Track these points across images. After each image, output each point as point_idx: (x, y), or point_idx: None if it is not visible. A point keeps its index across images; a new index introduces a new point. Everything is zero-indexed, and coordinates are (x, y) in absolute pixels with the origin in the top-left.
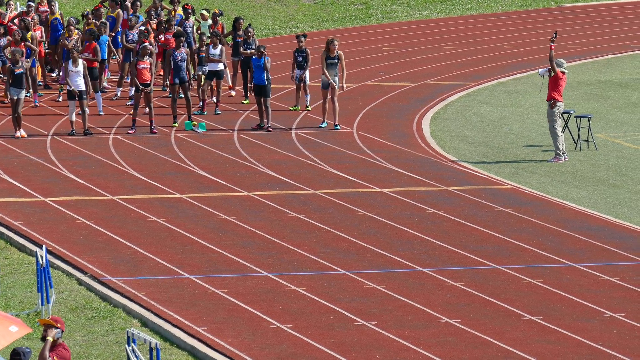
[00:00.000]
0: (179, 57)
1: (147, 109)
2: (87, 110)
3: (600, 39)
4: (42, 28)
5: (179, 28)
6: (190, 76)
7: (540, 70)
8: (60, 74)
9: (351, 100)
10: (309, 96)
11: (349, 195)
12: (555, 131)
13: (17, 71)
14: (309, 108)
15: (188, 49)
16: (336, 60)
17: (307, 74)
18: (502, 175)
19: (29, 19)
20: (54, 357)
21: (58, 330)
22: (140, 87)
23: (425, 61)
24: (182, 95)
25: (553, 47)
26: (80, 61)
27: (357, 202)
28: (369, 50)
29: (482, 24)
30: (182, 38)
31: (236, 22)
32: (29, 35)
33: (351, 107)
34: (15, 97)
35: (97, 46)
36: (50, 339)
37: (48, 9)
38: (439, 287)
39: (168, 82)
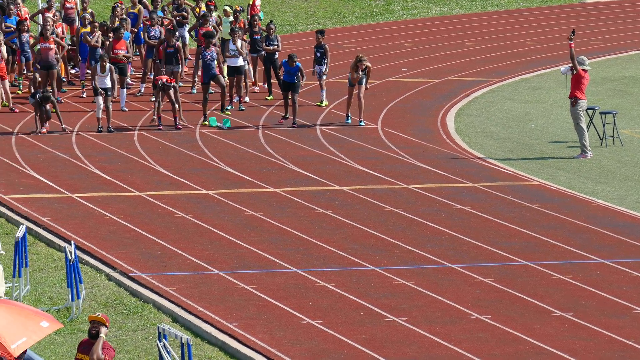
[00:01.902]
0: (209, 57)
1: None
2: (111, 108)
3: (623, 35)
4: (64, 24)
5: (214, 25)
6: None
7: (562, 68)
8: (78, 70)
9: (375, 96)
10: (324, 91)
11: (375, 192)
12: (581, 128)
13: None
14: (323, 104)
15: (219, 48)
16: (362, 75)
17: (326, 69)
18: (528, 171)
19: (50, 15)
20: (106, 356)
21: (107, 328)
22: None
23: (447, 57)
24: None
25: (572, 45)
26: (107, 66)
27: (384, 199)
28: (391, 46)
29: (504, 20)
30: (211, 39)
31: (252, 19)
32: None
33: (375, 103)
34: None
35: (127, 42)
36: (103, 336)
37: (74, 6)
38: (468, 283)
39: (198, 81)
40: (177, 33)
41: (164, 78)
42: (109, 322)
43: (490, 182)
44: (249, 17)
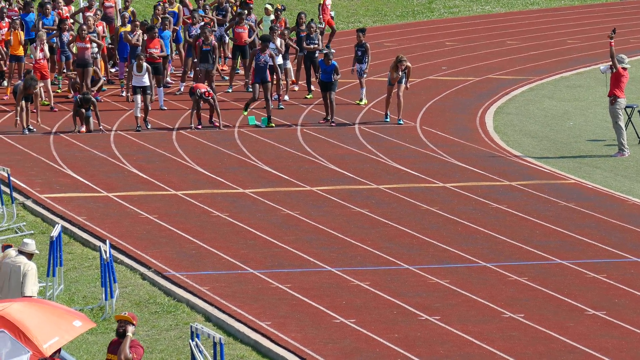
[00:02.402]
0: (262, 60)
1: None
2: (150, 107)
3: None
4: (104, 23)
5: (251, 24)
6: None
7: (602, 67)
8: (117, 69)
9: (414, 94)
10: (364, 90)
11: (411, 190)
12: (619, 126)
13: None
14: (362, 102)
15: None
16: (402, 74)
17: (367, 68)
18: (565, 170)
19: (91, 14)
20: (134, 354)
21: (134, 327)
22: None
23: (487, 56)
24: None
25: (612, 43)
26: (144, 65)
27: (420, 197)
28: (432, 45)
29: (544, 19)
30: (267, 43)
31: (298, 17)
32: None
33: (414, 101)
34: None
35: (162, 41)
36: (130, 334)
37: (113, 4)
38: (502, 282)
39: (249, 82)
40: (213, 31)
41: (203, 89)
42: (137, 320)
43: (527, 180)
44: (320, 17)
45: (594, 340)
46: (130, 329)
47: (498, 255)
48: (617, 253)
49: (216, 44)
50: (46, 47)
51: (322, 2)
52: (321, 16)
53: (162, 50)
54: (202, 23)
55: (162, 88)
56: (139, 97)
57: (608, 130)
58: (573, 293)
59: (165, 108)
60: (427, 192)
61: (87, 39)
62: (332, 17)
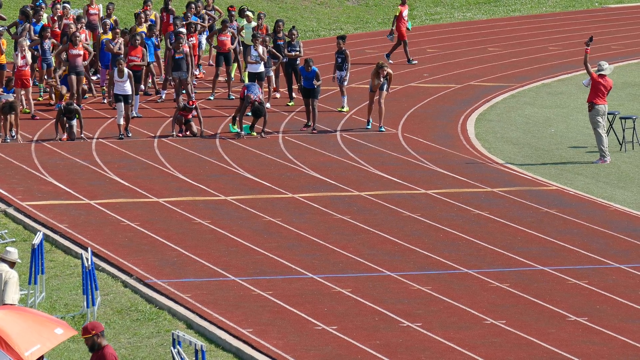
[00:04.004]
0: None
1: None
2: (131, 115)
3: None
4: (87, 31)
5: (233, 31)
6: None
7: (584, 81)
8: (99, 76)
9: (396, 101)
10: (345, 97)
11: (393, 197)
12: (599, 133)
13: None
14: (344, 109)
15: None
16: (383, 81)
17: (347, 75)
18: (547, 176)
19: (70, 21)
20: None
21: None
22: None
23: (469, 63)
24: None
25: (588, 50)
26: (126, 71)
27: (402, 204)
28: (413, 52)
29: (526, 25)
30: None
31: (276, 25)
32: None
33: (396, 108)
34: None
35: (144, 50)
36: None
37: (97, 12)
38: (484, 289)
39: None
40: (186, 39)
41: (186, 100)
42: (97, 326)
43: (508, 187)
44: (393, 27)
45: (576, 346)
46: (99, 340)
47: (480, 261)
48: (599, 259)
49: (188, 50)
50: (29, 55)
51: (398, 14)
52: (394, 27)
53: (143, 59)
54: (180, 29)
55: (138, 95)
56: (121, 105)
57: (589, 136)
58: (555, 299)
59: (141, 115)
60: (409, 199)
61: (80, 45)
62: (408, 29)
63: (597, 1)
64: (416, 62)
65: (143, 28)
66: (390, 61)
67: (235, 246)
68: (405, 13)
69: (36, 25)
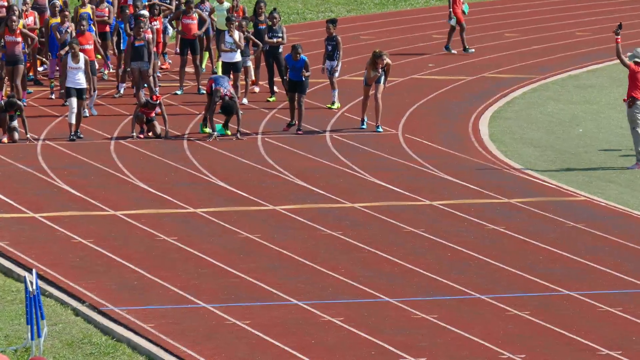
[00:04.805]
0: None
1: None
2: (85, 113)
3: None
4: (36, 13)
5: (202, 13)
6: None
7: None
8: (46, 67)
9: (396, 96)
10: (336, 91)
11: (392, 209)
12: (638, 133)
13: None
14: (335, 106)
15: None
16: (381, 72)
17: (338, 65)
18: (574, 184)
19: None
20: None
21: None
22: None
23: (483, 51)
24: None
25: (619, 39)
26: (81, 56)
27: (403, 217)
28: (416, 38)
29: (549, 7)
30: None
31: (257, 6)
32: (21, 24)
33: (396, 105)
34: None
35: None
36: None
37: None
38: (499, 317)
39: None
40: (148, 22)
41: (148, 95)
42: None
43: (528, 197)
44: (450, 10)
45: None
46: None
47: (495, 285)
48: (635, 282)
49: (151, 38)
50: None
51: None
52: (451, 9)
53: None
54: (141, 12)
55: (96, 92)
56: (74, 101)
57: (624, 138)
58: (583, 329)
59: (96, 113)
60: (411, 212)
61: (18, 31)
62: (463, 12)
63: None
64: (473, 50)
65: (87, 9)
66: (453, 51)
67: (206, 267)
68: None
69: None
